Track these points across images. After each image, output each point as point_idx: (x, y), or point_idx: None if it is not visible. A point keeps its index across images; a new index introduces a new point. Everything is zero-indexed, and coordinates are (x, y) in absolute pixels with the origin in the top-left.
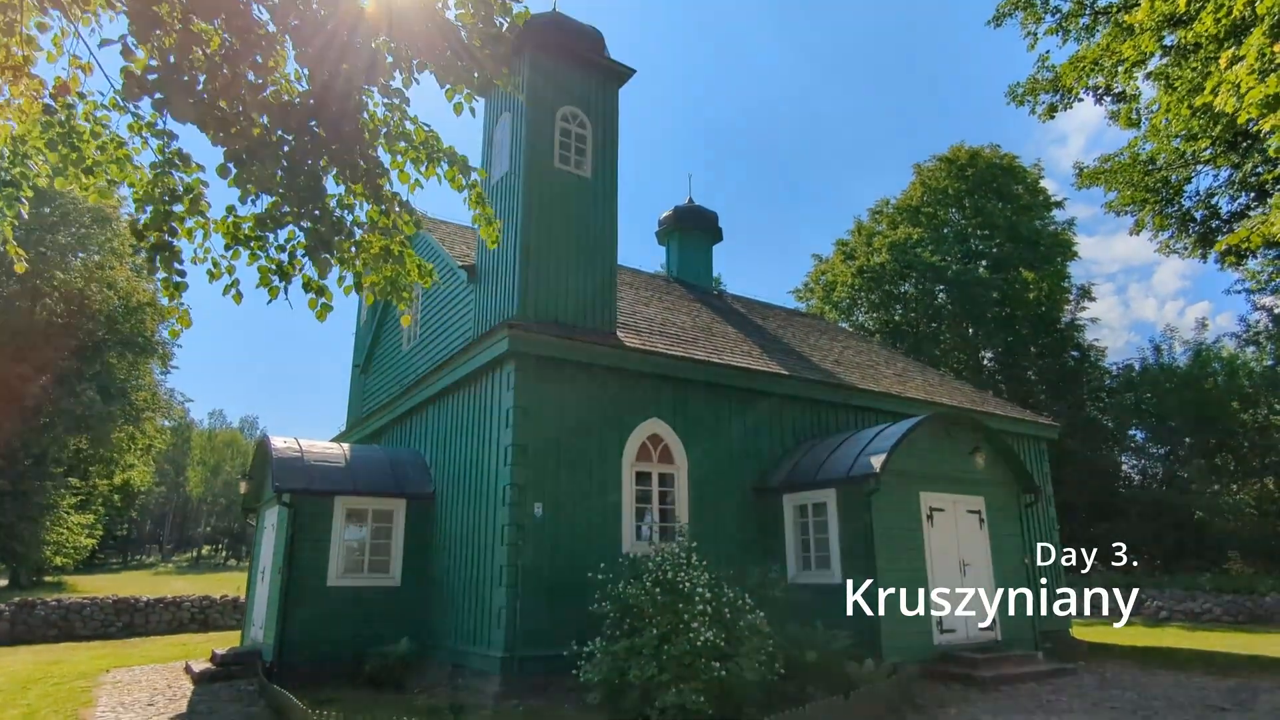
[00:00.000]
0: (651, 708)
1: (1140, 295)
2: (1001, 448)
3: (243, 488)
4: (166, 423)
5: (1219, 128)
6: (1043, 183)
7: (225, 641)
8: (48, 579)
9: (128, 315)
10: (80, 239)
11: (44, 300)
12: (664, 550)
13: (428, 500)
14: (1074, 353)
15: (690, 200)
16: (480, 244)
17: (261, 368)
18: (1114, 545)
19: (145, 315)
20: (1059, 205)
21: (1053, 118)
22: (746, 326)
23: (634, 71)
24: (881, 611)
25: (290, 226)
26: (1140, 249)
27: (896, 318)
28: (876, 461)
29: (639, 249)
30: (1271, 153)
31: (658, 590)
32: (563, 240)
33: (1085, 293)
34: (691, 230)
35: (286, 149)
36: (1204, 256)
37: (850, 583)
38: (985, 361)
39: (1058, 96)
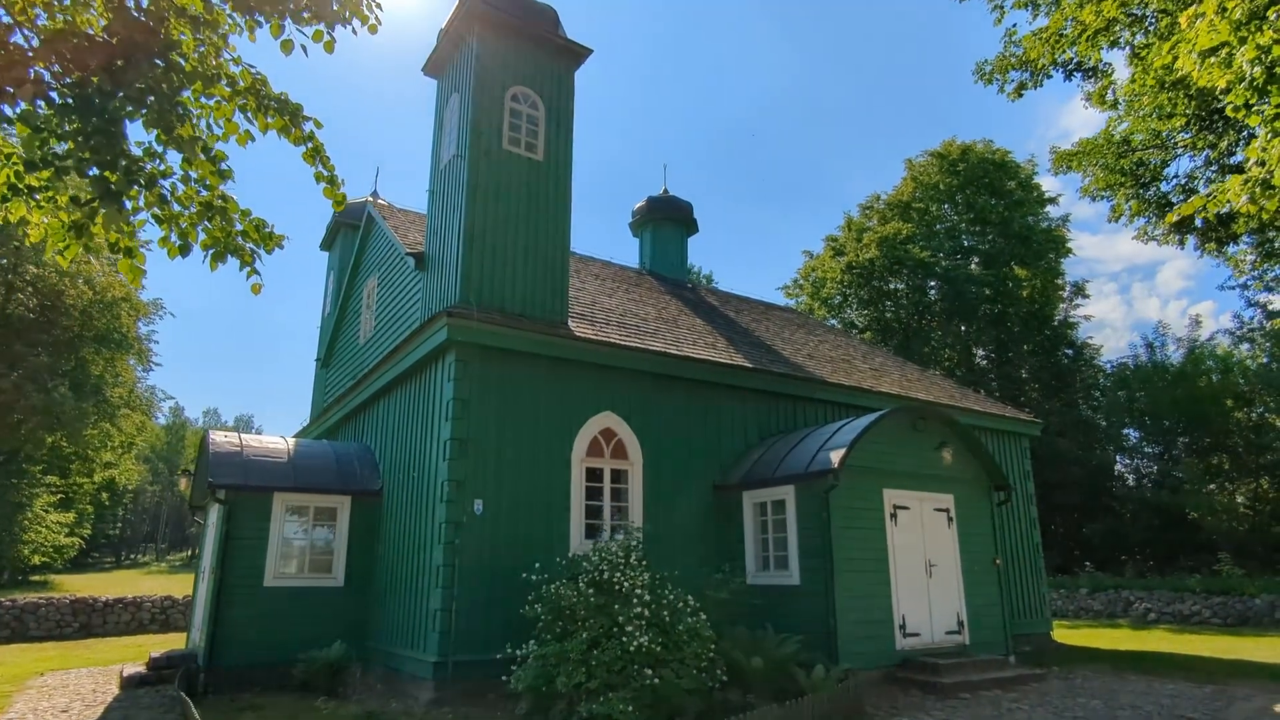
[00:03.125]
0: (579, 716)
1: (1143, 295)
2: (972, 443)
3: (183, 484)
4: (161, 419)
5: (1192, 105)
6: (1037, 179)
7: (183, 643)
8: (34, 578)
9: (103, 311)
10: None
11: (16, 295)
12: (602, 549)
13: (374, 497)
14: (1068, 351)
15: (665, 190)
16: (430, 230)
17: (257, 366)
18: (1104, 545)
19: (120, 311)
20: (1053, 201)
21: (1021, 96)
22: (716, 319)
23: (590, 51)
24: (839, 614)
25: (94, 175)
26: (1143, 248)
27: (887, 315)
28: (835, 457)
29: (623, 242)
30: (1229, 111)
31: (591, 591)
32: (511, 224)
33: (1079, 290)
34: (665, 221)
35: (91, 89)
36: (1181, 243)
37: (808, 584)
38: (977, 360)
39: (1027, 74)
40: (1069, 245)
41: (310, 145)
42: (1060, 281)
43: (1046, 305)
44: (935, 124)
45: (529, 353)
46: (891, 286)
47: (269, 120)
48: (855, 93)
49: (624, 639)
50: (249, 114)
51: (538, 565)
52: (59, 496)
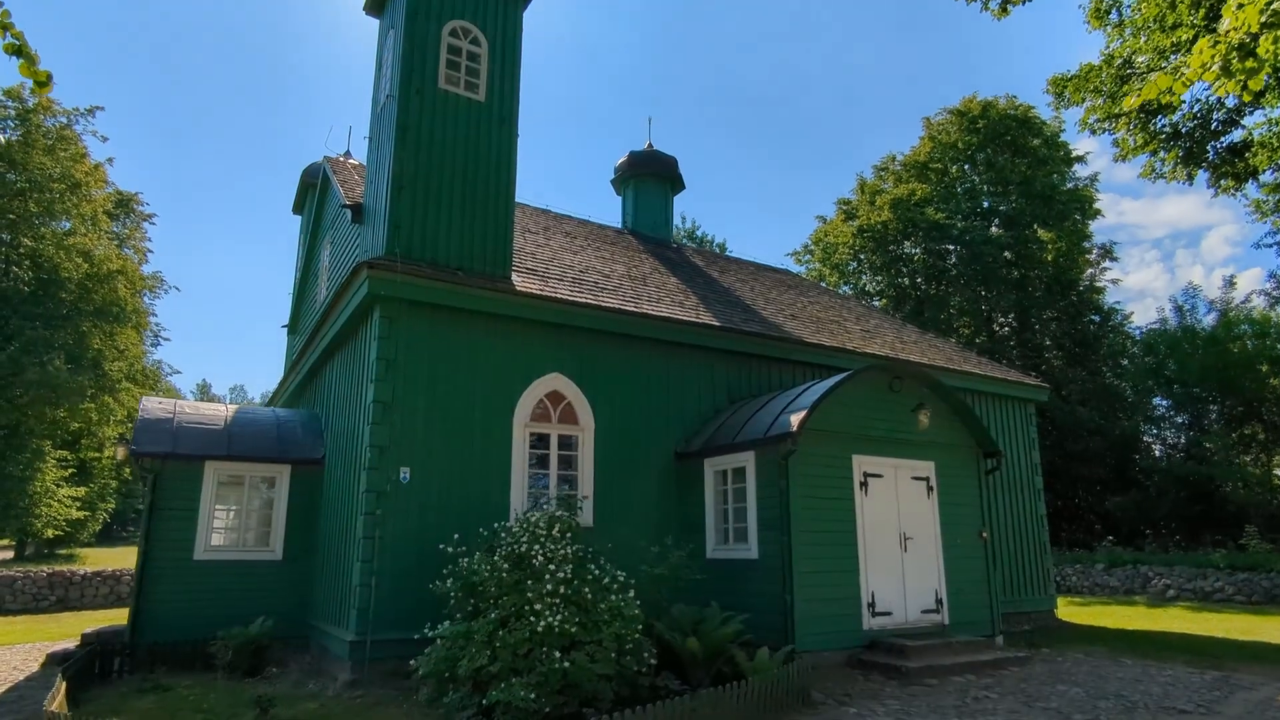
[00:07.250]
0: (478, 705)
1: (1187, 262)
2: (956, 405)
3: (120, 453)
4: (189, 396)
5: (1200, 13)
6: (1065, 137)
7: None
8: (60, 551)
9: (99, 284)
10: (49, 206)
11: (13, 269)
12: (524, 520)
13: (315, 466)
14: (1094, 317)
15: (649, 145)
16: (366, 180)
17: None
18: (1128, 519)
19: (117, 284)
20: (1080, 160)
21: (1008, 14)
22: (695, 279)
23: None
24: (796, 590)
25: None
26: (1189, 212)
27: (902, 280)
28: (795, 420)
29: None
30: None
31: (506, 566)
32: (446, 169)
33: (1107, 253)
34: (649, 178)
35: None
36: (1190, 178)
37: (765, 558)
38: (998, 327)
39: None
40: (1096, 206)
41: None
42: (1087, 245)
43: (1072, 269)
44: (960, 82)
45: (466, 309)
46: (906, 250)
47: None
48: (880, 52)
49: (533, 618)
50: None
51: (457, 537)
52: (70, 471)
